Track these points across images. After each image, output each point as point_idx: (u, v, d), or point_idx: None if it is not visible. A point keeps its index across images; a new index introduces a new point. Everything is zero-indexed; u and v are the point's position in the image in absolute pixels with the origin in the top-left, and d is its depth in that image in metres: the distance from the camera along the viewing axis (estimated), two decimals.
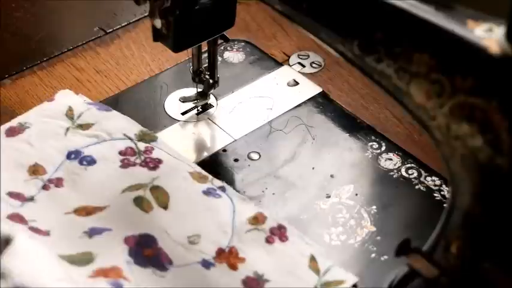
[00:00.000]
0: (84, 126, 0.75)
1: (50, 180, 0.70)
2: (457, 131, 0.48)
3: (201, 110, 0.80)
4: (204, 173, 0.71)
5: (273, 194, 0.71)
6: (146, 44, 0.88)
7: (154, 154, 0.73)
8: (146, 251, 0.63)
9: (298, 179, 0.72)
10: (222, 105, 0.81)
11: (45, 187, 0.69)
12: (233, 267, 0.64)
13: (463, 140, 0.48)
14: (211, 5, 0.68)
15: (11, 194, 0.67)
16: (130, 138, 0.74)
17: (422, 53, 0.49)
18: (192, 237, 0.65)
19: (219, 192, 0.69)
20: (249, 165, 0.74)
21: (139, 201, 0.67)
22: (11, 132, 0.74)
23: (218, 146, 0.76)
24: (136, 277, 0.61)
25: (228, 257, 0.64)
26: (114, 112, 0.77)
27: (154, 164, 0.72)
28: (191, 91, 0.80)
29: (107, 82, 0.84)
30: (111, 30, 0.91)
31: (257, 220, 0.67)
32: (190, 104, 0.80)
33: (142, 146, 0.73)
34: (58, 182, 0.70)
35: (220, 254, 0.64)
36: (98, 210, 0.67)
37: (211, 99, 0.81)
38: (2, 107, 0.79)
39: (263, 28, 0.92)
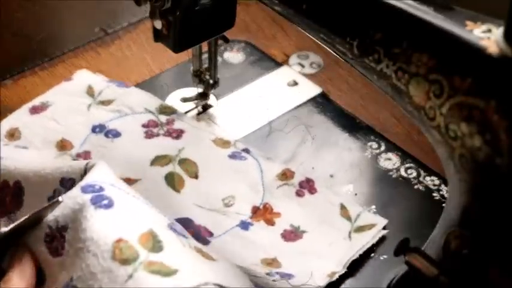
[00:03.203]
0: (105, 102, 0.77)
1: (78, 155, 0.72)
2: (456, 131, 0.48)
3: (201, 110, 0.80)
4: (226, 138, 0.74)
5: None
6: (147, 45, 0.89)
7: (176, 125, 0.76)
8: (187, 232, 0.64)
9: None
10: (222, 106, 0.81)
11: None
12: (270, 222, 0.67)
13: (461, 140, 0.48)
14: (211, 5, 0.69)
15: None
16: (151, 112, 0.76)
17: (422, 54, 0.50)
18: (226, 199, 0.68)
19: (243, 154, 0.73)
20: None
21: (170, 179, 0.69)
22: (35, 110, 0.76)
23: None
24: None
25: (264, 213, 0.67)
26: (133, 88, 0.80)
27: (177, 134, 0.74)
28: (191, 91, 0.80)
29: None
30: (111, 30, 0.91)
31: (286, 176, 0.71)
32: (191, 104, 0.80)
33: (163, 118, 0.76)
34: (86, 156, 0.72)
35: (256, 211, 0.68)
36: (129, 183, 0.68)
37: (212, 100, 0.81)
38: (3, 106, 0.80)
39: (263, 28, 0.92)
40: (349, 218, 0.67)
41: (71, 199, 0.51)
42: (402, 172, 0.73)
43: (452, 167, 0.51)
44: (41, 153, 0.72)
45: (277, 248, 0.65)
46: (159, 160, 0.71)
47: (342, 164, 0.74)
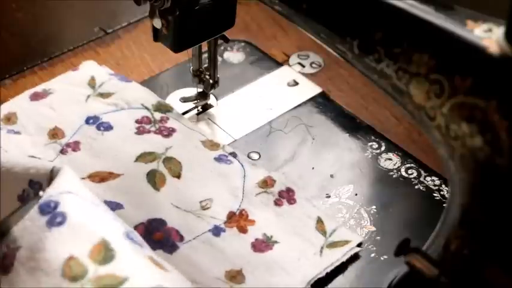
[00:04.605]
0: (104, 95, 0.78)
1: (67, 144, 0.72)
2: (456, 131, 0.48)
3: (201, 110, 0.80)
4: (215, 140, 0.74)
5: None
6: (146, 44, 0.89)
7: (169, 124, 0.76)
8: (156, 234, 0.65)
9: (298, 179, 0.72)
10: (222, 105, 0.81)
11: (63, 151, 0.72)
12: (243, 230, 0.66)
13: (462, 140, 0.48)
14: (211, 5, 0.69)
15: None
16: (147, 108, 0.77)
17: (422, 53, 0.50)
18: (204, 201, 0.68)
19: (230, 158, 0.72)
20: None
21: (152, 176, 0.70)
22: (35, 97, 0.77)
23: None
24: None
25: (239, 220, 0.67)
26: (134, 83, 0.80)
27: (168, 132, 0.74)
28: (191, 91, 0.80)
29: None
30: (111, 30, 0.91)
31: (266, 183, 0.70)
32: (191, 104, 0.80)
33: (158, 115, 0.76)
34: (75, 146, 0.72)
35: (231, 217, 0.67)
36: (111, 177, 0.69)
37: (212, 100, 0.81)
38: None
39: (263, 28, 0.92)
40: (324, 233, 0.66)
41: (30, 221, 0.52)
42: (403, 172, 0.73)
43: (452, 167, 0.51)
44: (32, 139, 0.72)
45: (244, 259, 0.64)
46: (144, 157, 0.72)
47: (342, 164, 0.74)
